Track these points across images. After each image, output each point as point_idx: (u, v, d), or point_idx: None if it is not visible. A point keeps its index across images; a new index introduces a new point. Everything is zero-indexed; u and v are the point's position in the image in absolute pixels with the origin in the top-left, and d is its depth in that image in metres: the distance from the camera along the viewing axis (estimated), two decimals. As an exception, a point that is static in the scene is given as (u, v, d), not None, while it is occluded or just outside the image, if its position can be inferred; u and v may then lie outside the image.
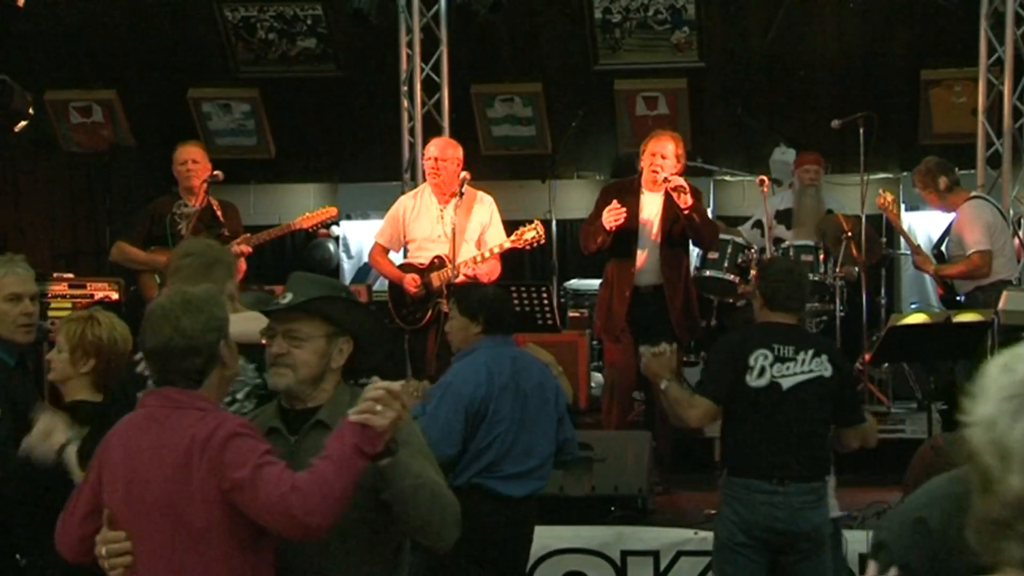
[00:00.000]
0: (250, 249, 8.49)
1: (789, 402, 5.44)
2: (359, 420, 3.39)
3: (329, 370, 3.74)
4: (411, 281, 8.43)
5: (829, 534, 5.62)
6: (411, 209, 8.70)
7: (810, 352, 5.50)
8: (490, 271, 8.43)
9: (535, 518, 5.86)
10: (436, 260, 8.50)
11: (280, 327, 3.73)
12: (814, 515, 5.48)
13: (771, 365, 5.44)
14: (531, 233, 8.40)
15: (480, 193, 8.70)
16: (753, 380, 5.44)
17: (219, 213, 8.55)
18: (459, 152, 8.68)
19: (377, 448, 3.41)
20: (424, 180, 8.85)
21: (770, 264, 5.92)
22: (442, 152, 8.59)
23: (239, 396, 4.15)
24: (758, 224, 10.05)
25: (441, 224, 8.54)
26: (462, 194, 8.46)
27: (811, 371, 5.49)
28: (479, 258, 8.39)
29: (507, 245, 8.47)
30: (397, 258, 8.96)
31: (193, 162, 8.56)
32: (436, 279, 8.41)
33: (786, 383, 5.45)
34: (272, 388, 3.81)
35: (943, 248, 8.88)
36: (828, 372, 5.52)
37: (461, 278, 8.23)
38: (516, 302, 7.91)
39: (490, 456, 5.46)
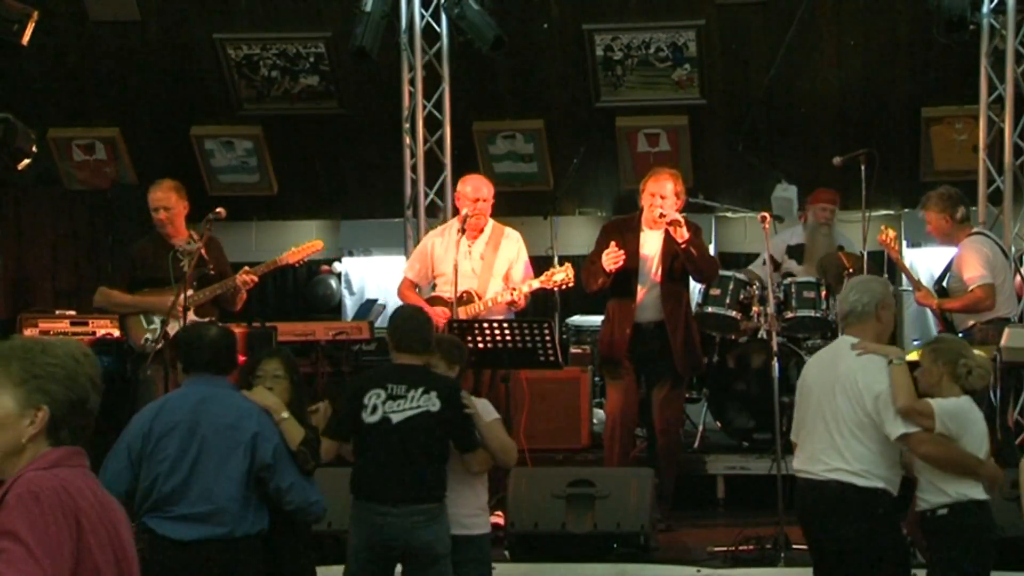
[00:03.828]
0: (255, 279, 8.45)
1: (398, 434, 6.02)
2: None
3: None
4: (441, 315, 8.45)
5: (446, 549, 6.09)
6: (439, 244, 8.72)
7: (420, 390, 6.09)
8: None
9: (223, 567, 5.50)
10: (464, 295, 8.52)
11: None
12: (425, 532, 6.00)
13: (383, 403, 6.08)
14: (561, 275, 8.42)
15: (507, 228, 8.75)
16: (367, 417, 6.08)
17: (203, 251, 8.45)
18: (492, 189, 8.73)
19: None
20: (460, 216, 8.72)
21: (397, 311, 6.74)
22: (477, 191, 8.63)
23: None
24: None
25: (469, 259, 8.58)
26: (464, 229, 8.50)
27: (418, 407, 6.08)
28: (509, 295, 8.44)
29: (536, 285, 8.50)
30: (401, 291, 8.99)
31: (165, 209, 8.53)
32: (463, 313, 8.43)
33: (395, 418, 6.05)
34: None
35: (944, 284, 8.87)
36: (435, 407, 6.08)
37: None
38: (518, 338, 7.90)
39: (155, 496, 5.39)
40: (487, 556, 6.43)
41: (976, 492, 5.70)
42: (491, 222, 8.68)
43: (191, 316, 8.16)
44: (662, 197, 8.43)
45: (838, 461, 5.68)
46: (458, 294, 8.50)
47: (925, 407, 5.61)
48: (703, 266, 8.57)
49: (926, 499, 5.73)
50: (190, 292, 8.21)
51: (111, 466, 5.46)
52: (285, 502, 5.60)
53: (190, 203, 8.79)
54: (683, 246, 8.31)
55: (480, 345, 7.93)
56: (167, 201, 8.56)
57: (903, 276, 9.92)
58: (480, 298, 8.48)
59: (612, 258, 8.33)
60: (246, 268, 8.47)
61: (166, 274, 8.39)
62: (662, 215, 8.34)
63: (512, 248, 8.68)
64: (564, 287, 8.55)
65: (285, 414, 5.76)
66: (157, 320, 8.35)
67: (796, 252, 10.31)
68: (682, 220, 8.34)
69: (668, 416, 8.61)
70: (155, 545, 5.38)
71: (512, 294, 8.43)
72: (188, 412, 5.49)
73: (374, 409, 6.03)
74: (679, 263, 8.46)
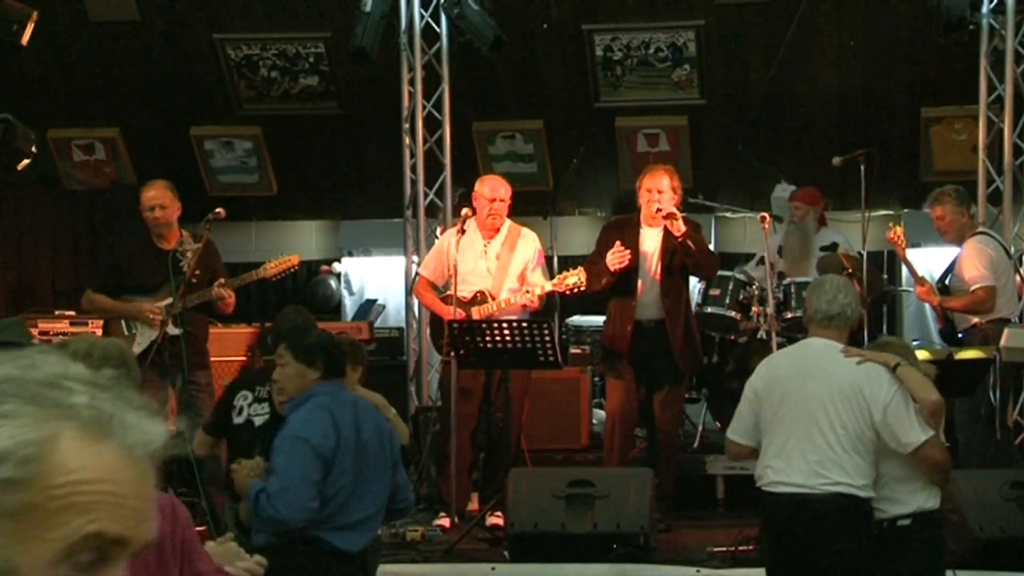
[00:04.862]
0: (231, 293, 8.23)
1: (259, 437, 5.89)
2: None
3: None
4: (456, 315, 8.41)
5: None
6: (456, 243, 8.69)
7: None
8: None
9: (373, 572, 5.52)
10: (479, 295, 8.52)
11: None
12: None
13: (249, 405, 6.13)
14: (573, 279, 8.39)
15: (524, 229, 8.75)
16: (236, 418, 6.21)
17: (196, 253, 8.29)
18: (509, 189, 8.71)
19: None
20: (461, 216, 8.62)
21: (280, 312, 6.80)
22: (494, 191, 8.61)
23: None
24: (762, 261, 10.07)
25: (484, 259, 8.57)
26: (464, 230, 8.49)
27: None
28: (523, 296, 8.41)
29: (548, 287, 8.48)
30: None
31: (161, 208, 8.29)
32: (477, 313, 8.42)
33: (258, 421, 6.09)
34: None
35: (947, 282, 8.88)
36: None
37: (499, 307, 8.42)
38: (518, 338, 7.90)
39: (330, 507, 5.21)
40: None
41: (933, 502, 5.56)
42: (508, 222, 8.66)
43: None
44: (659, 192, 8.44)
45: (840, 475, 5.46)
46: (472, 294, 8.51)
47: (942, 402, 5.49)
48: (701, 260, 8.57)
49: (884, 509, 5.54)
50: (170, 300, 8.10)
51: (304, 478, 5.14)
52: (398, 499, 5.51)
53: (190, 203, 8.74)
54: (680, 239, 8.32)
55: (480, 345, 7.93)
56: (163, 199, 8.30)
57: (903, 275, 9.93)
58: (494, 298, 8.47)
59: (618, 257, 8.32)
60: (220, 280, 8.27)
61: (149, 280, 8.27)
62: (659, 210, 8.35)
63: (528, 249, 8.67)
64: (576, 290, 8.52)
65: (393, 411, 5.74)
66: (137, 326, 8.27)
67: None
68: (678, 213, 8.35)
69: (668, 416, 8.61)
70: (330, 559, 5.18)
71: (525, 296, 8.42)
72: (352, 420, 5.31)
73: (240, 411, 6.04)
74: (678, 259, 8.46)
